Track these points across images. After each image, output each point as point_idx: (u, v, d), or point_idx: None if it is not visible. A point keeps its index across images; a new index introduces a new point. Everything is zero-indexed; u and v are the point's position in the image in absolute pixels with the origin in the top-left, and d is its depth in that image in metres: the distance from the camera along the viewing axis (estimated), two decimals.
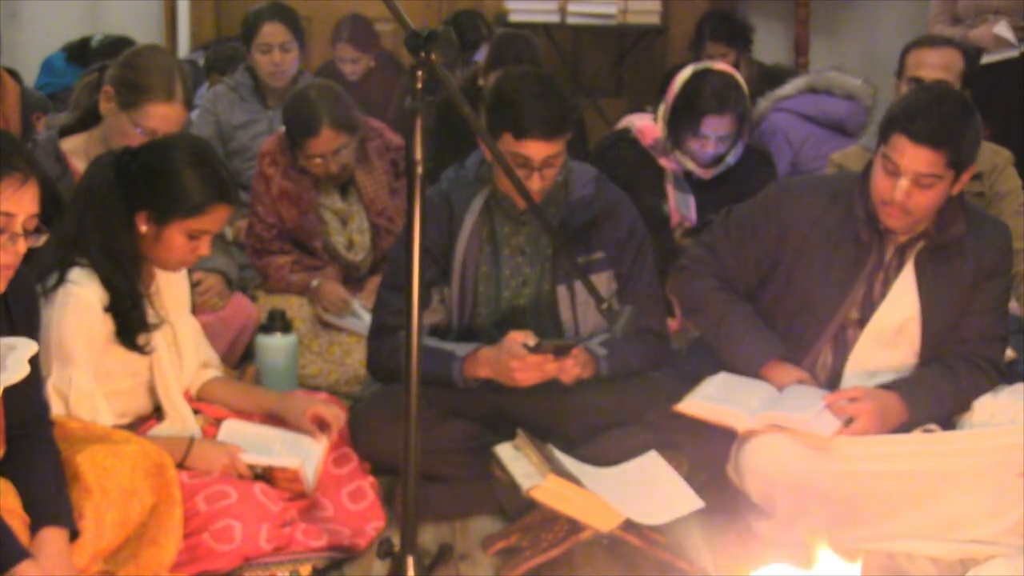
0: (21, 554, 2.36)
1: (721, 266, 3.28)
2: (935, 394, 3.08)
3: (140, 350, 2.87)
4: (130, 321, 2.84)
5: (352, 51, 5.71)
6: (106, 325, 2.82)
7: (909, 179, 2.95)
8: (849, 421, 2.99)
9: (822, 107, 4.63)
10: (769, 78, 5.35)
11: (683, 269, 3.37)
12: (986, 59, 4.76)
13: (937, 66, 3.91)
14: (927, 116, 2.93)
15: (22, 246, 2.36)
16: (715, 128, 3.98)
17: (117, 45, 5.44)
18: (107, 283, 2.80)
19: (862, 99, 4.79)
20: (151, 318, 2.89)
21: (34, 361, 2.55)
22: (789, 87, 4.80)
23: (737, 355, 3.20)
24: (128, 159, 2.85)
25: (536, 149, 3.12)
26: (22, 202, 2.33)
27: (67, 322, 2.76)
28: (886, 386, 3.07)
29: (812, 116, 4.64)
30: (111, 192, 2.81)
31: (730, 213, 3.33)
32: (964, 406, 3.12)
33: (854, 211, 3.11)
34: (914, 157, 2.94)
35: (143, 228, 2.82)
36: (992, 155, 3.89)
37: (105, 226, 2.81)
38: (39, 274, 2.81)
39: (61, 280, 2.78)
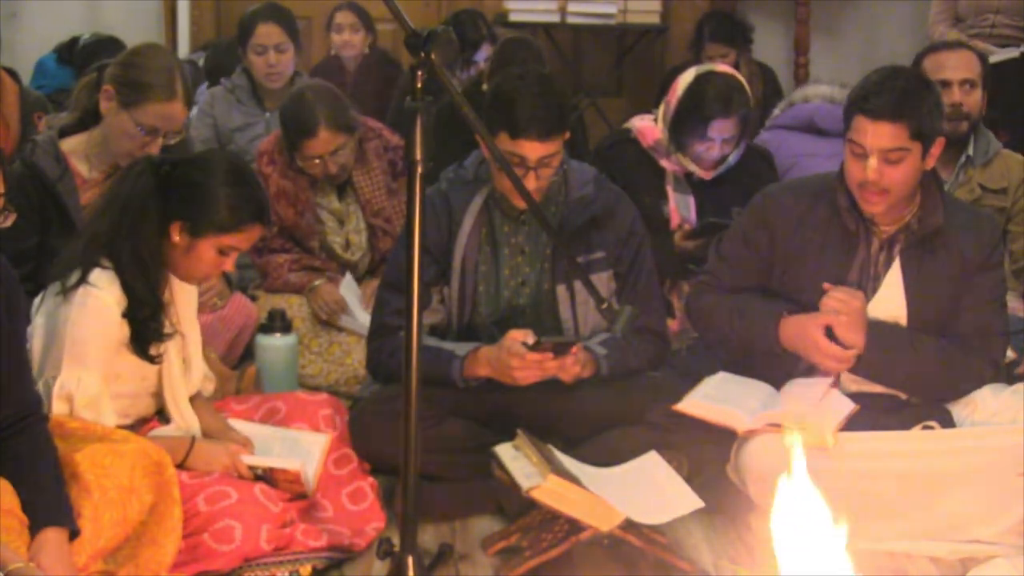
0: (55, 520, 2.41)
1: (723, 287, 3.31)
2: (907, 339, 3.10)
3: (152, 360, 2.87)
4: (146, 330, 2.83)
5: (351, 17, 5.65)
6: (122, 330, 2.81)
7: (876, 157, 3.00)
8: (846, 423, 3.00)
9: (795, 114, 4.63)
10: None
11: (689, 298, 3.42)
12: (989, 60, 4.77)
13: (960, 67, 3.93)
14: (881, 92, 3.00)
15: None
16: (721, 131, 3.97)
17: (103, 45, 5.45)
18: (128, 289, 2.80)
19: (839, 100, 4.75)
20: (166, 328, 2.89)
21: (23, 354, 2.55)
22: (777, 110, 4.81)
23: (756, 337, 3.21)
24: (168, 169, 2.85)
25: (532, 149, 3.12)
26: None
27: (84, 323, 2.76)
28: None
29: (787, 125, 4.64)
30: (150, 198, 2.82)
31: (720, 240, 3.38)
32: (946, 375, 3.12)
33: (838, 203, 3.14)
34: (876, 134, 2.99)
35: (176, 238, 2.83)
36: (1021, 170, 3.89)
37: (139, 232, 2.81)
38: (59, 271, 2.82)
39: (82, 280, 2.77)
